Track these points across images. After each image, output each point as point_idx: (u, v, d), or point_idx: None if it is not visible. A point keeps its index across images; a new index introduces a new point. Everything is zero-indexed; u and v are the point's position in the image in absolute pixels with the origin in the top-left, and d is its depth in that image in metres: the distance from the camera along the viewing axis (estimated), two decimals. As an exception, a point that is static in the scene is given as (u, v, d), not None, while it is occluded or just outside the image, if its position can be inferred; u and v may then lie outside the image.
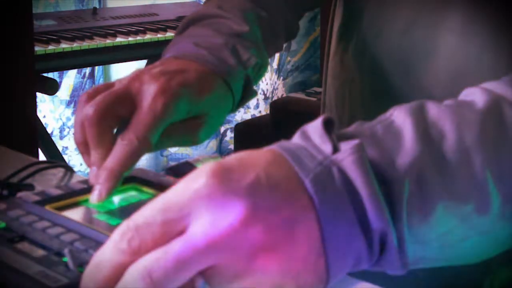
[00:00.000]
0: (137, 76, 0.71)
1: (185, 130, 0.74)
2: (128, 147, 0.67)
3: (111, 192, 0.65)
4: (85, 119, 0.68)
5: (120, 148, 0.67)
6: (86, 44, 2.36)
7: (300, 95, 3.28)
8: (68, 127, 2.81)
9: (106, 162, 0.67)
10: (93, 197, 0.65)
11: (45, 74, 2.30)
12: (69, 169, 0.94)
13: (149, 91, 0.69)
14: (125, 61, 2.51)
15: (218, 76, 0.76)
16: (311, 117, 0.53)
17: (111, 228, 0.56)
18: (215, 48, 0.78)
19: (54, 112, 2.81)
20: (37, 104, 2.09)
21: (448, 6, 0.74)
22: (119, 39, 2.46)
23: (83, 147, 0.70)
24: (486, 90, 0.56)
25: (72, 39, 2.36)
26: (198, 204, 0.45)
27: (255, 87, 0.83)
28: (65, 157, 2.66)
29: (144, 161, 3.13)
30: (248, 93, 0.80)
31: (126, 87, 0.70)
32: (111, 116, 0.68)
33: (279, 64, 3.49)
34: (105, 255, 0.45)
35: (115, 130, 0.70)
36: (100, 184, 0.65)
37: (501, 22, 0.72)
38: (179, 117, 0.71)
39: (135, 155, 0.67)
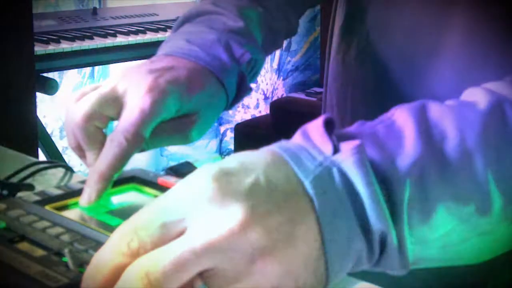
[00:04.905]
0: (124, 75, 0.70)
1: (176, 128, 0.73)
2: (117, 148, 0.65)
3: (101, 194, 0.64)
4: (73, 123, 0.67)
5: (109, 150, 0.66)
6: (86, 44, 2.36)
7: (300, 95, 3.28)
8: (68, 127, 2.80)
9: (95, 164, 0.66)
10: (83, 200, 0.64)
11: (45, 74, 2.30)
12: (69, 169, 0.94)
13: (137, 90, 0.68)
14: (125, 61, 2.50)
15: (210, 73, 0.74)
16: (311, 117, 0.53)
17: (111, 228, 0.56)
18: (207, 45, 0.76)
19: (54, 112, 2.81)
20: (37, 104, 2.09)
21: (452, 6, 0.74)
22: (119, 39, 2.46)
23: (79, 151, 0.69)
24: (488, 91, 0.56)
25: (72, 39, 2.36)
26: (197, 207, 0.45)
27: (254, 86, 0.82)
28: (65, 157, 2.66)
29: (144, 161, 3.13)
30: (242, 90, 0.79)
31: (113, 87, 0.69)
32: (98, 117, 0.67)
33: (279, 64, 3.49)
34: (104, 257, 0.45)
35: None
36: (89, 187, 0.64)
37: (506, 22, 0.72)
38: (169, 115, 0.70)
39: (124, 157, 0.66)
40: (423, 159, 0.50)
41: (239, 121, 3.33)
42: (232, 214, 0.44)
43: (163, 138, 0.72)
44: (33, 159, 0.97)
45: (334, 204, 0.47)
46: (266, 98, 3.46)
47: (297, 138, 0.51)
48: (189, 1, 3.04)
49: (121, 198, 0.67)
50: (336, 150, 0.49)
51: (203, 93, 0.72)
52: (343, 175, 0.48)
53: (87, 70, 2.88)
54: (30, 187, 0.82)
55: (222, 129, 3.42)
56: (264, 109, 3.46)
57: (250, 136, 3.14)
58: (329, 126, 0.50)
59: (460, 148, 0.51)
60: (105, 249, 0.45)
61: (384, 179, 0.49)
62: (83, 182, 0.67)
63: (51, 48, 2.28)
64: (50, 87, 2.19)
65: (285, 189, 0.46)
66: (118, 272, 0.44)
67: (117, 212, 0.63)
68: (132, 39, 2.49)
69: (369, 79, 0.84)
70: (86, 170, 0.69)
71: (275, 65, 3.47)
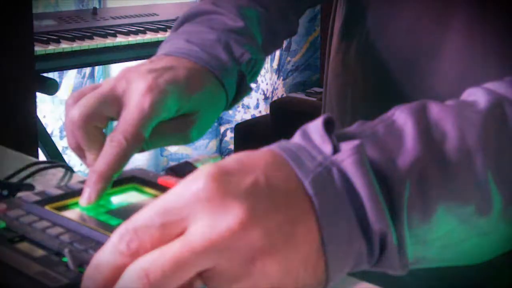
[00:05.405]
0: (124, 75, 0.70)
1: (176, 128, 0.72)
2: (116, 148, 0.65)
3: (101, 194, 0.64)
4: (72, 124, 0.67)
5: (108, 149, 0.65)
6: (86, 44, 2.36)
7: (300, 95, 3.28)
8: (68, 127, 2.80)
9: (95, 164, 0.66)
10: (83, 200, 0.64)
11: (45, 74, 2.30)
12: (69, 169, 0.94)
13: (136, 90, 0.68)
14: (125, 61, 2.51)
15: (209, 73, 0.74)
16: (311, 117, 0.53)
17: (111, 228, 0.56)
18: (207, 44, 0.76)
19: (54, 112, 2.81)
20: (37, 104, 2.09)
21: (453, 6, 0.74)
22: (119, 39, 2.46)
23: (79, 151, 0.69)
24: (488, 90, 0.56)
25: (72, 39, 2.36)
26: (197, 207, 0.45)
27: (254, 86, 0.83)
28: (65, 157, 2.66)
29: (144, 161, 3.13)
30: (242, 89, 0.79)
31: (112, 87, 0.68)
32: (97, 117, 0.67)
33: (279, 64, 3.49)
34: (104, 257, 0.45)
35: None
36: (89, 187, 0.64)
37: (506, 22, 0.72)
38: (168, 115, 0.70)
39: (124, 156, 0.66)
40: (423, 159, 0.50)
41: (239, 121, 3.33)
42: (232, 214, 0.44)
43: (163, 138, 0.72)
44: (33, 159, 0.97)
45: (333, 203, 0.47)
46: (266, 98, 3.46)
47: (297, 138, 0.51)
48: (189, 1, 3.05)
49: (121, 198, 0.67)
50: (336, 150, 0.49)
51: (203, 93, 0.72)
52: (343, 175, 0.48)
53: (87, 70, 2.88)
54: (30, 187, 0.82)
55: (222, 129, 3.42)
56: (264, 109, 3.46)
57: (250, 136, 3.14)
58: (329, 126, 0.50)
59: (460, 148, 0.51)
60: (105, 249, 0.45)
61: (384, 179, 0.49)
62: (83, 182, 0.67)
63: (51, 48, 2.29)
64: (50, 87, 2.19)
65: (285, 189, 0.46)
66: (118, 272, 0.44)
67: (117, 212, 0.63)
68: (132, 39, 2.49)
69: (369, 79, 0.84)
70: (86, 170, 0.68)
71: (275, 65, 3.47)
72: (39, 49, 2.22)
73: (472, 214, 0.51)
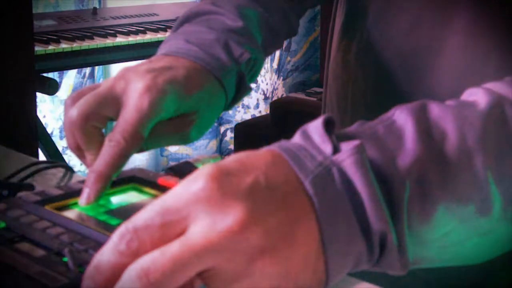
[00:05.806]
0: (122, 75, 0.70)
1: (175, 128, 0.72)
2: (115, 148, 0.65)
3: (100, 194, 0.64)
4: (71, 124, 0.67)
5: (107, 149, 0.65)
6: (86, 44, 2.36)
7: (300, 95, 3.28)
8: (68, 127, 2.80)
9: (94, 164, 0.66)
10: (82, 200, 0.64)
11: (45, 74, 2.30)
12: (69, 169, 0.94)
13: (135, 89, 0.68)
14: (125, 61, 2.50)
15: (209, 73, 0.74)
16: (311, 117, 0.53)
17: (111, 228, 0.56)
18: (206, 44, 0.76)
19: (54, 112, 2.81)
20: (37, 104, 2.08)
21: (453, 6, 0.74)
22: (119, 39, 2.46)
23: (78, 151, 0.69)
24: (488, 91, 0.56)
25: (72, 39, 2.36)
26: (197, 207, 0.45)
27: (254, 86, 0.83)
28: (65, 157, 2.66)
29: (144, 161, 3.13)
30: (241, 89, 0.79)
31: (111, 87, 0.68)
32: (96, 117, 0.67)
33: (279, 64, 3.48)
34: (105, 257, 0.45)
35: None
36: (88, 187, 0.64)
37: (506, 22, 0.72)
38: (167, 114, 0.70)
39: (123, 156, 0.66)
40: (423, 159, 0.50)
41: (239, 121, 3.33)
42: (232, 214, 0.44)
43: (162, 137, 0.72)
44: (33, 159, 0.97)
45: (333, 203, 0.47)
46: (266, 98, 3.46)
47: (297, 138, 0.51)
48: (189, 1, 3.05)
49: (121, 198, 0.67)
50: (336, 150, 0.49)
51: (202, 92, 0.72)
52: (343, 175, 0.48)
53: (87, 70, 2.88)
54: (30, 187, 0.82)
55: (222, 129, 3.42)
56: (264, 109, 3.46)
57: (250, 136, 3.14)
58: (329, 126, 0.50)
59: (460, 148, 0.51)
60: (105, 249, 0.45)
61: (384, 179, 0.49)
62: (83, 182, 0.67)
63: (51, 48, 2.29)
64: (50, 87, 2.19)
65: (284, 189, 0.46)
66: (118, 272, 0.44)
67: (117, 212, 0.63)
68: (132, 39, 2.49)
69: (369, 79, 0.84)
70: (86, 170, 0.68)
71: (275, 65, 3.47)
72: (39, 49, 2.22)
73: (472, 214, 0.51)
